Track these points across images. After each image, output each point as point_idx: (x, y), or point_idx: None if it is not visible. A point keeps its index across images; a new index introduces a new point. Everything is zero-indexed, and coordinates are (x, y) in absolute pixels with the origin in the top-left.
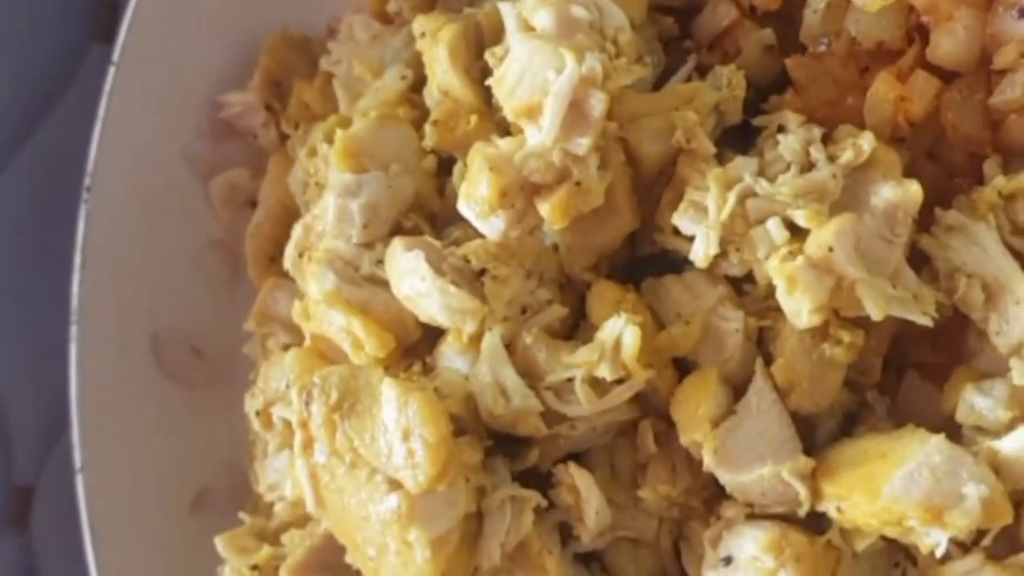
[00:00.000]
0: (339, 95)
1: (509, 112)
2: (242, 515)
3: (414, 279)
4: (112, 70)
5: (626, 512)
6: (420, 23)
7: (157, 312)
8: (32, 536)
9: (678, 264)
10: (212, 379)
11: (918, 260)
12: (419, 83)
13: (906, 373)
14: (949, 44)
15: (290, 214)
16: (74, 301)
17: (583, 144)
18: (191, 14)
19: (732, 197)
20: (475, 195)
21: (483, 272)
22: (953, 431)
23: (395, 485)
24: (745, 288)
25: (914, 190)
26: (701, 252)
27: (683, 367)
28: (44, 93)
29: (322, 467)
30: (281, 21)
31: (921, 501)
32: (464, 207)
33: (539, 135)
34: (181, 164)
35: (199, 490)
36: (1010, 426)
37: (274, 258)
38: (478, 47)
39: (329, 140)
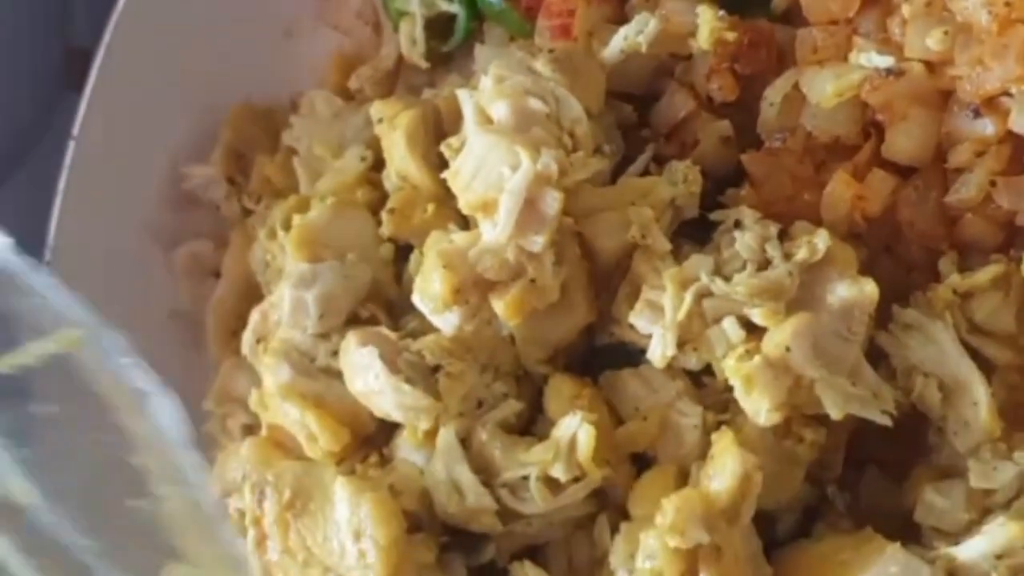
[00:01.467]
0: (299, 174)
1: (464, 206)
2: None
3: (368, 376)
4: (72, 145)
5: None
6: (377, 109)
7: None
8: None
9: (636, 354)
10: None
11: (876, 356)
12: (379, 163)
13: (866, 468)
14: (904, 142)
15: (253, 288)
16: None
17: (538, 242)
18: (151, 86)
19: (688, 297)
20: (429, 291)
21: (438, 368)
22: (913, 529)
23: None
24: (704, 380)
25: (869, 289)
26: (658, 353)
27: (642, 459)
28: (17, 147)
29: (275, 564)
30: (245, 92)
31: None
32: (418, 302)
33: (494, 232)
34: (143, 235)
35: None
36: (968, 528)
37: (236, 332)
38: (437, 132)
39: (286, 226)
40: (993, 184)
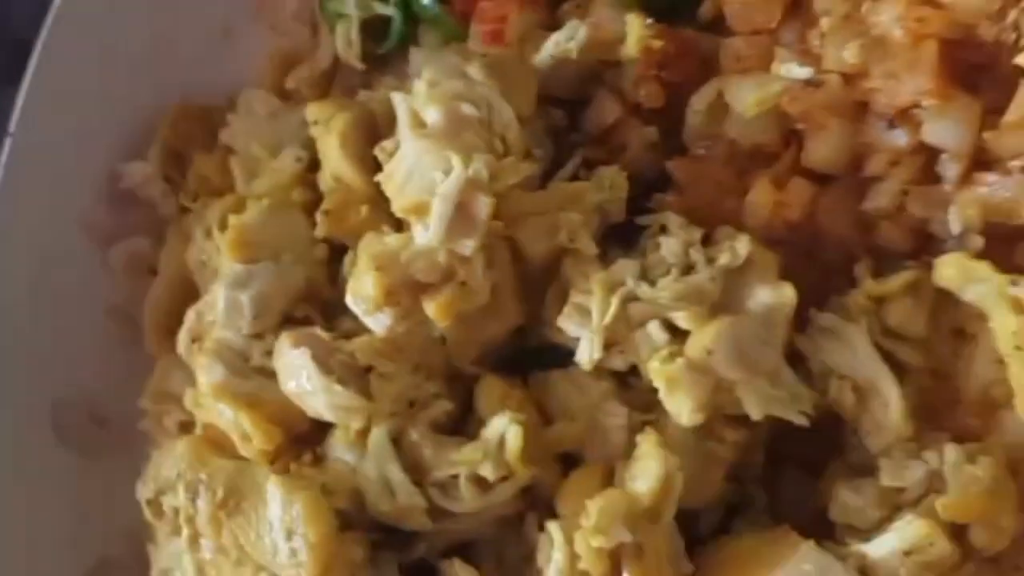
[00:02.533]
0: (236, 173)
1: (397, 209)
2: None
3: (300, 377)
4: (8, 141)
5: None
6: (313, 111)
7: (57, 382)
8: None
9: (565, 356)
10: (114, 447)
11: (795, 358)
12: (316, 163)
13: (785, 467)
14: (823, 151)
15: (189, 286)
16: None
17: (469, 245)
18: (90, 83)
19: (615, 302)
20: (361, 293)
21: (370, 369)
22: (828, 526)
23: None
24: (630, 381)
25: (788, 294)
26: (586, 356)
27: (570, 458)
28: None
29: (208, 562)
30: (183, 90)
31: None
32: (351, 302)
33: (426, 235)
34: (80, 233)
35: (99, 559)
36: (879, 525)
37: (172, 330)
38: (372, 134)
39: (222, 226)
40: (906, 193)
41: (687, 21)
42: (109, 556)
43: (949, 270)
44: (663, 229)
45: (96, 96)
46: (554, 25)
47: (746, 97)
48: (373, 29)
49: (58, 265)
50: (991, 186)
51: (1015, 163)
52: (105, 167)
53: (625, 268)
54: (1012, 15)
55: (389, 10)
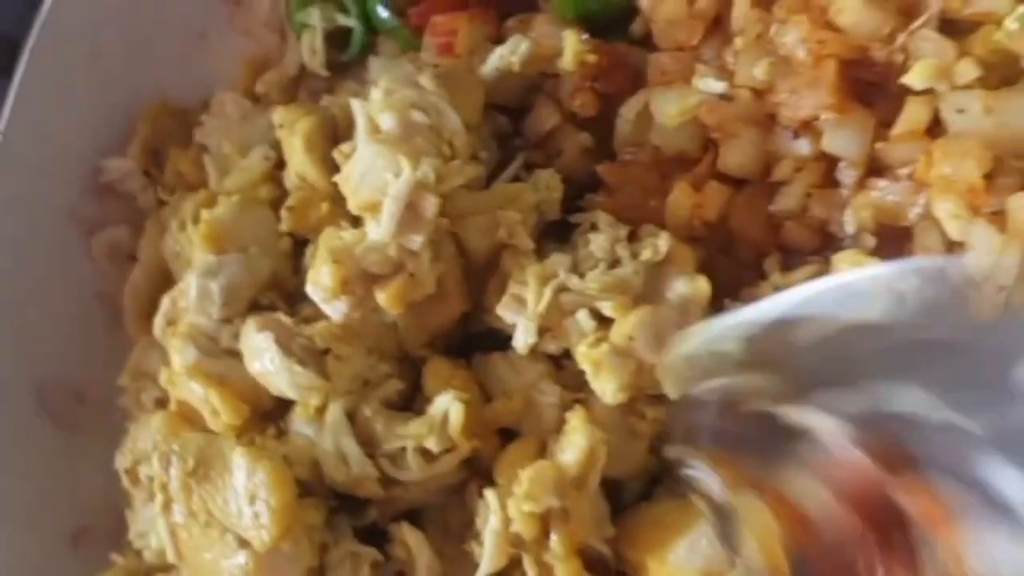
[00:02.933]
0: (209, 170)
1: (353, 207)
2: (114, 556)
3: (264, 358)
4: None
5: (455, 564)
6: (279, 115)
7: (41, 360)
8: None
9: (505, 340)
10: (94, 423)
11: None
12: (283, 162)
13: None
14: (736, 157)
15: (166, 273)
16: None
17: (417, 241)
18: (76, 83)
19: (548, 292)
20: (319, 283)
21: (327, 351)
22: None
23: (244, 543)
24: (563, 363)
25: (702, 286)
26: (521, 341)
27: (508, 433)
28: None
29: (180, 526)
30: (162, 90)
31: (701, 567)
32: (311, 291)
33: (378, 231)
34: (65, 222)
35: (79, 528)
36: None
37: (150, 314)
38: (333, 136)
39: (195, 219)
40: (809, 196)
41: (620, 37)
42: (90, 523)
43: (845, 265)
44: (593, 227)
45: (81, 95)
46: (501, 38)
47: (669, 108)
48: (336, 38)
49: (44, 253)
50: (882, 191)
51: (903, 171)
52: (89, 161)
53: (558, 262)
54: (900, 39)
55: (351, 22)
